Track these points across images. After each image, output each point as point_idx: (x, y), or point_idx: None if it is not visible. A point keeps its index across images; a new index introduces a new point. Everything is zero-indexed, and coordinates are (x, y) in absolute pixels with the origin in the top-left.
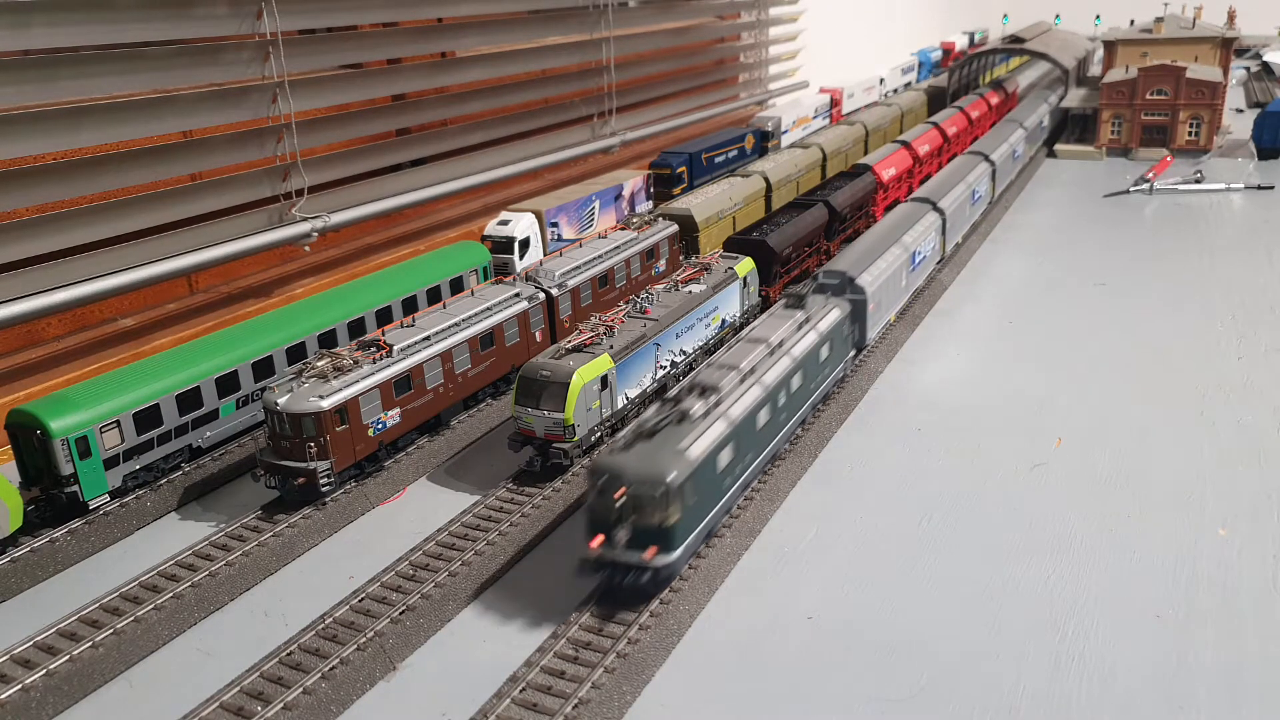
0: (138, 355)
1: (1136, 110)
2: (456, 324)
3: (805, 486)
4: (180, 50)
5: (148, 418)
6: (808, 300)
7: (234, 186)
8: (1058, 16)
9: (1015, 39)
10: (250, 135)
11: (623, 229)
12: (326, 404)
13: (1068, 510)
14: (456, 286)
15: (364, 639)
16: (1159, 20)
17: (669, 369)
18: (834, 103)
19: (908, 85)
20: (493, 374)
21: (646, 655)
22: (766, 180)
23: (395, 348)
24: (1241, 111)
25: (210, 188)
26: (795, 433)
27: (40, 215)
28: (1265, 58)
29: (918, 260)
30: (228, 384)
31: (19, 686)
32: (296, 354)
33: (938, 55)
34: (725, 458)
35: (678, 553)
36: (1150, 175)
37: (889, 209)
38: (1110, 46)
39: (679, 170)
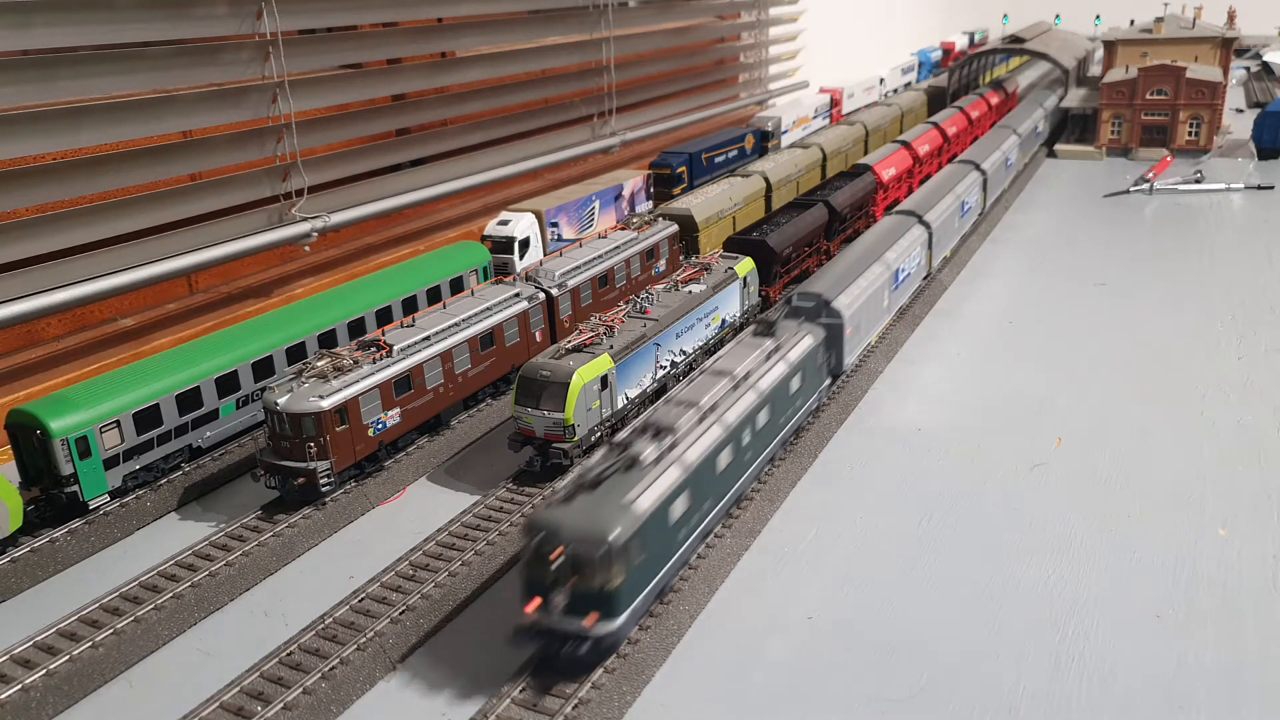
0: (138, 355)
1: (1136, 110)
2: (456, 324)
3: (805, 486)
4: (180, 50)
5: (148, 418)
6: (778, 327)
7: (234, 186)
8: (1058, 16)
9: (1015, 39)
10: (250, 135)
11: (623, 229)
12: (326, 404)
13: (1068, 510)
14: (456, 286)
15: (364, 639)
16: (1159, 20)
17: (669, 369)
18: (834, 103)
19: (908, 85)
20: (493, 374)
21: (646, 655)
22: (766, 180)
23: (395, 348)
24: (1241, 111)
25: (210, 188)
26: (765, 469)
27: (40, 215)
28: (1265, 58)
29: (901, 278)
30: (228, 384)
31: (19, 686)
32: (296, 354)
33: (938, 55)
34: (679, 508)
35: (621, 619)
36: (1150, 175)
37: (889, 209)
38: (1110, 46)
39: (679, 170)
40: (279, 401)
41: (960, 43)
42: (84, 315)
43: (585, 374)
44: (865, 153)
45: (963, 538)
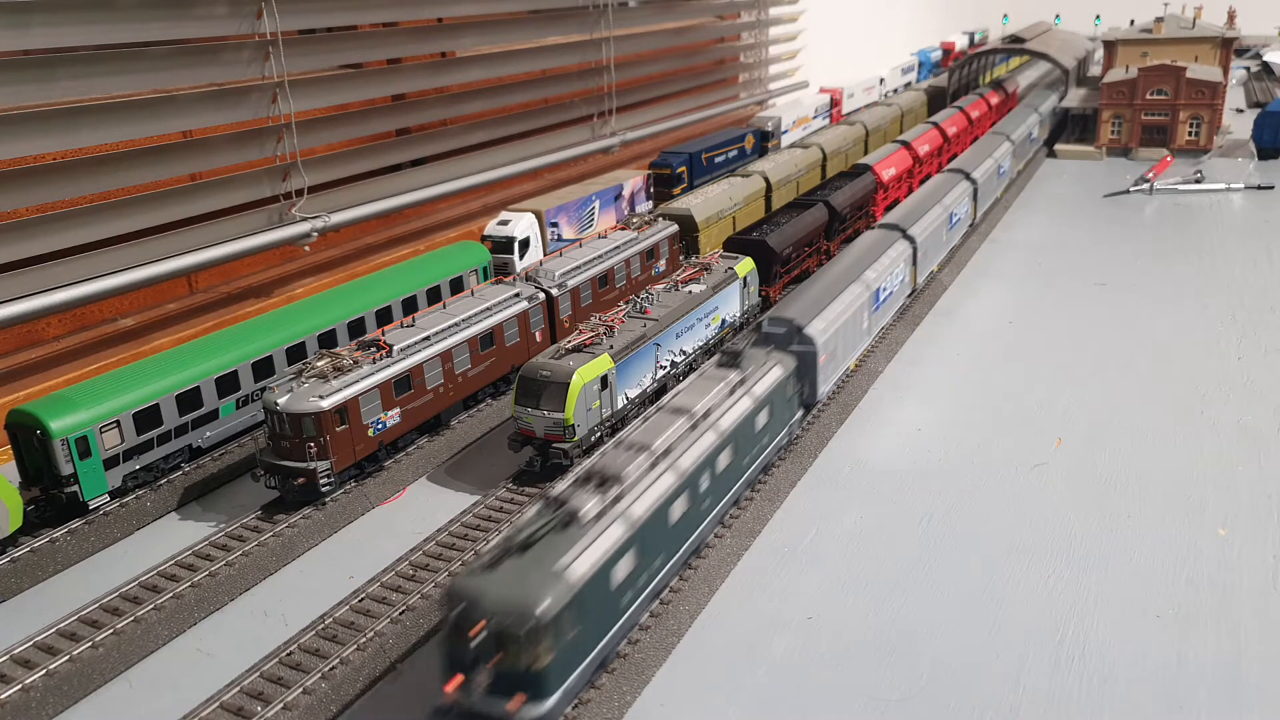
0: (138, 355)
1: (1136, 110)
2: (456, 324)
3: (805, 486)
4: (180, 50)
5: (148, 418)
6: (744, 357)
7: (234, 186)
8: (1058, 16)
9: (1015, 39)
10: (250, 135)
11: (623, 229)
12: (326, 404)
13: (1068, 510)
14: (456, 286)
15: (364, 639)
16: (1159, 20)
17: (669, 369)
18: (834, 103)
19: (908, 85)
20: (493, 374)
21: (646, 655)
22: (766, 180)
23: (395, 348)
24: (1241, 111)
25: (210, 188)
26: (728, 513)
27: (40, 215)
28: (1265, 58)
29: (882, 298)
30: (228, 384)
31: (19, 686)
32: (296, 354)
33: (938, 55)
34: (624, 569)
35: (552, 701)
36: (1150, 175)
37: (889, 209)
38: (1110, 46)
39: (679, 170)
40: (279, 401)
41: (960, 43)
42: (84, 315)
43: (585, 374)
44: (865, 153)
45: (963, 538)
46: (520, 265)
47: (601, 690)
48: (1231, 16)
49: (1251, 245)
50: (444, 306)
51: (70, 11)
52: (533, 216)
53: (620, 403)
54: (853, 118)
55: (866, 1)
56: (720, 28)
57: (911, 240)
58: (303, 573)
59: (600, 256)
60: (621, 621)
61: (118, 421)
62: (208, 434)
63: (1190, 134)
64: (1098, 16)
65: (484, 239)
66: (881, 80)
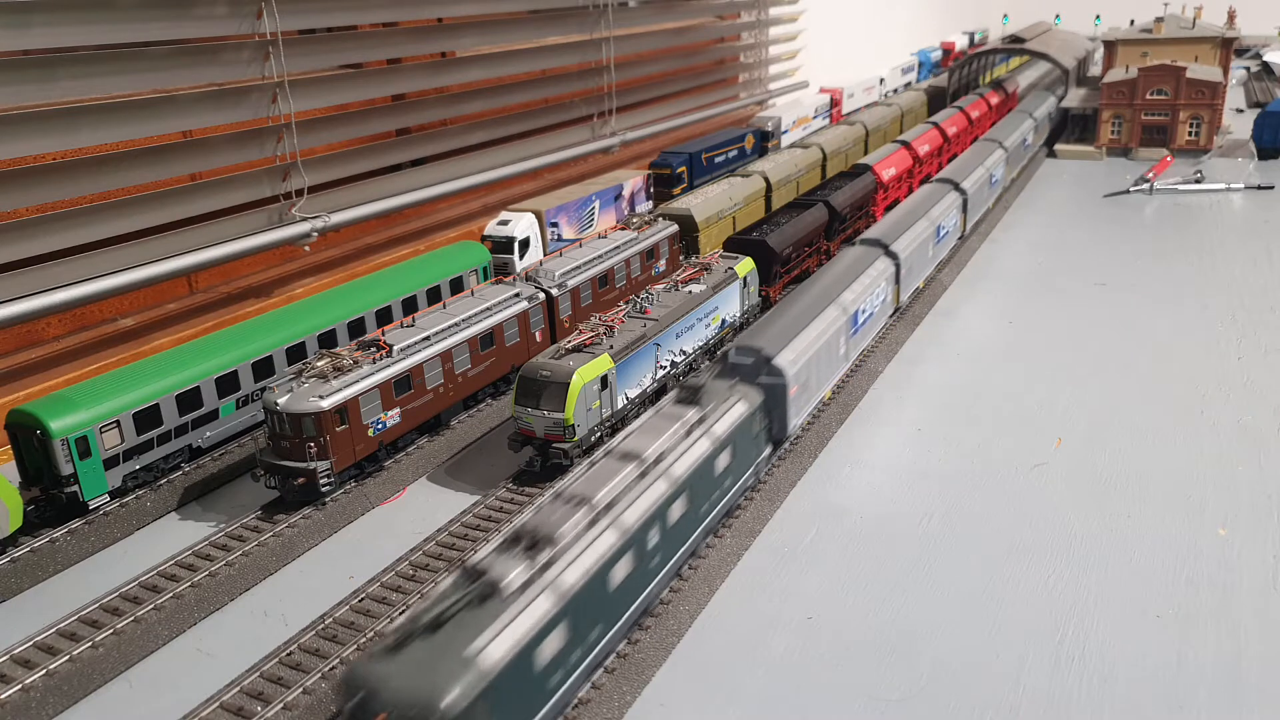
0: (138, 355)
1: (1136, 110)
2: (456, 324)
3: (805, 486)
4: (180, 50)
5: (148, 418)
6: (705, 392)
7: (234, 186)
8: (1058, 16)
9: (1015, 39)
10: (250, 135)
11: (623, 229)
12: (326, 404)
13: (1068, 510)
14: (456, 286)
15: (364, 639)
16: (1159, 20)
17: (669, 369)
18: (834, 103)
19: (908, 85)
20: (493, 374)
21: (646, 655)
22: (766, 180)
23: (395, 348)
24: (1241, 111)
25: (210, 188)
26: (686, 564)
27: (40, 215)
28: (1265, 58)
29: (861, 320)
30: (228, 384)
31: (19, 686)
32: (296, 354)
33: (938, 55)
34: (553, 646)
35: None
36: (1150, 175)
37: (889, 209)
38: (1110, 46)
39: (679, 170)
40: (279, 401)
41: (960, 43)
42: (84, 315)
43: (585, 374)
44: (865, 153)
45: (963, 538)
46: (520, 265)
47: (601, 690)
48: (1231, 16)
49: (1251, 245)
50: (444, 306)
51: (70, 11)
52: (533, 216)
53: (620, 403)
54: (853, 118)
55: (866, 1)
56: (720, 28)
57: (894, 257)
58: (303, 573)
59: (600, 256)
60: (550, 704)
61: (118, 421)
62: (208, 434)
63: (1190, 134)
64: (1098, 16)
65: (484, 239)
66: (881, 80)
